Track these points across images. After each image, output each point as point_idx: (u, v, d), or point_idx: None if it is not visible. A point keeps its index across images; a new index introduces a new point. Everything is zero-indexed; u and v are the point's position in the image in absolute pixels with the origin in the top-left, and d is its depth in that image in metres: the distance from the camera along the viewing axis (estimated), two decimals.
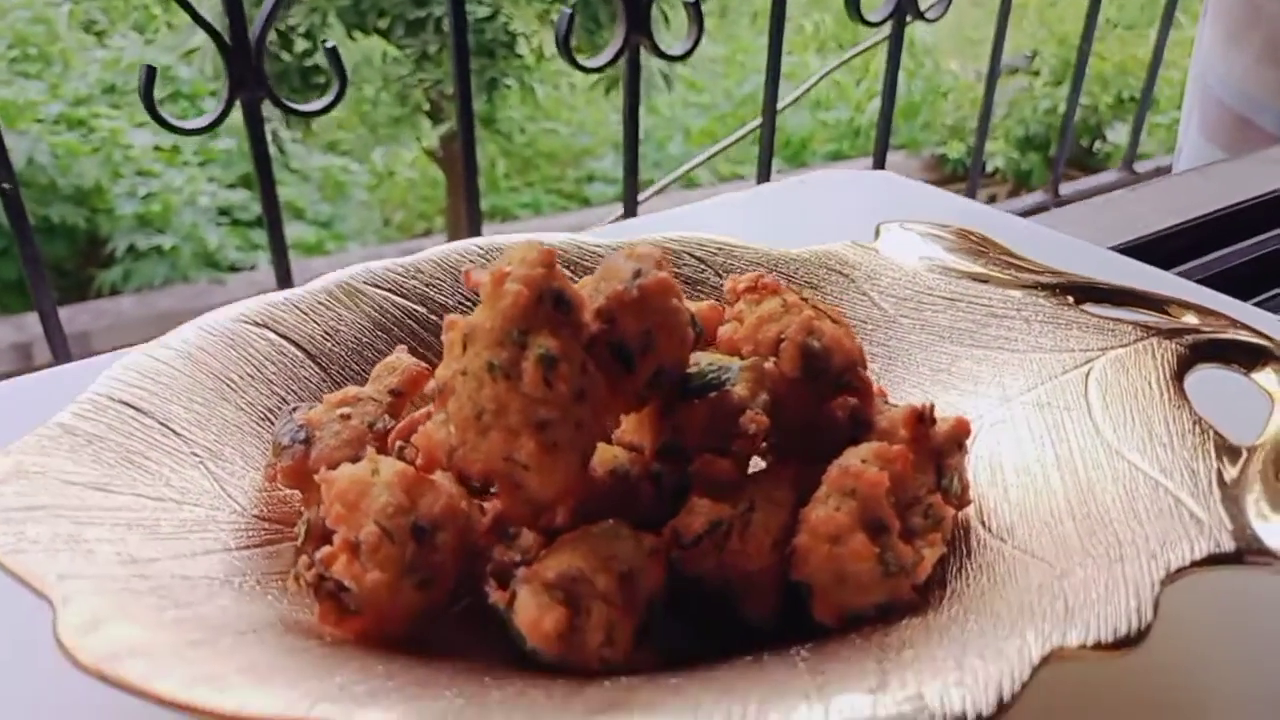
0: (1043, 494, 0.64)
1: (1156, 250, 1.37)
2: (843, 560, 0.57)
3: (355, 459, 0.62)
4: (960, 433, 0.64)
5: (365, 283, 0.80)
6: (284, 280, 1.71)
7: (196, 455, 0.65)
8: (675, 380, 0.62)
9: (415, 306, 0.80)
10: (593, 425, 0.58)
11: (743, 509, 0.59)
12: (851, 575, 0.57)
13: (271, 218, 1.70)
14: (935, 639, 0.51)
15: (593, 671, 0.53)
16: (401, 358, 0.68)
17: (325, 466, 0.62)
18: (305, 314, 0.76)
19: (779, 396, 0.64)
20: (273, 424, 0.70)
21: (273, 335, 0.74)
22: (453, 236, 2.16)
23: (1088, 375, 0.71)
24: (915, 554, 0.57)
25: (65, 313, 2.78)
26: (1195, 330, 0.74)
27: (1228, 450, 0.62)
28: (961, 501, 0.64)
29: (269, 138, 1.63)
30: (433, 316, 0.80)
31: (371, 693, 0.45)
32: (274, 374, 0.72)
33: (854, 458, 0.60)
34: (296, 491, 0.65)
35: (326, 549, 0.54)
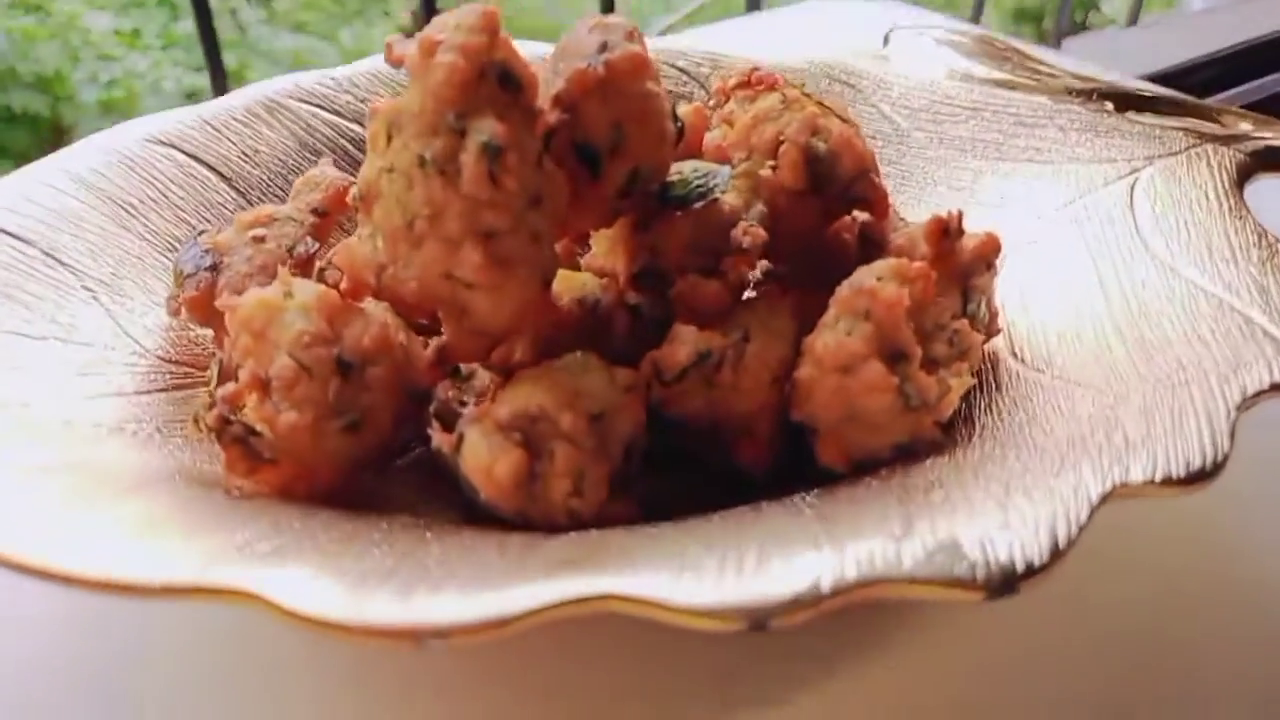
0: (1085, 319, 0.54)
1: (1179, 84, 1.25)
2: (855, 393, 0.48)
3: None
4: (989, 250, 0.55)
5: (291, 97, 0.68)
6: None
7: (89, 289, 0.55)
8: (653, 187, 0.52)
9: (348, 124, 0.69)
10: (551, 238, 0.48)
11: (735, 338, 0.50)
12: (865, 411, 0.48)
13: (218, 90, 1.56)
14: (969, 478, 0.42)
15: (558, 526, 0.44)
16: (326, 171, 0.57)
17: (230, 294, 0.52)
18: (219, 132, 0.65)
19: (777, 210, 0.54)
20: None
21: (180, 155, 0.63)
22: None
23: (1133, 187, 0.61)
24: (939, 385, 0.48)
25: None
26: (1253, 137, 0.63)
27: None
28: (990, 330, 0.55)
29: (230, 17, 1.49)
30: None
31: (279, 550, 0.36)
32: (181, 198, 0.61)
33: (868, 275, 0.50)
34: (208, 329, 0.55)
35: (231, 385, 0.44)
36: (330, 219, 0.56)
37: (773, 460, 0.51)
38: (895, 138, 0.69)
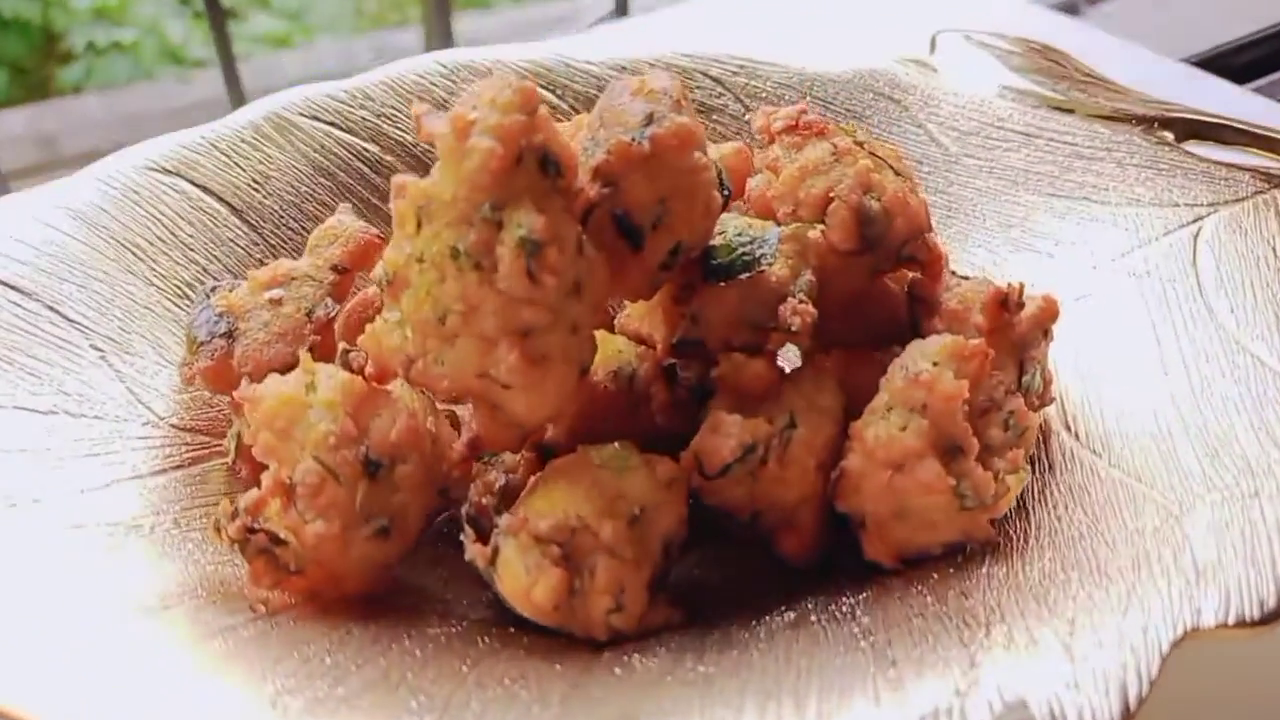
0: (1145, 394, 0.52)
1: (1227, 63, 1.20)
2: (907, 492, 0.46)
3: (290, 358, 0.50)
4: (1047, 318, 0.52)
5: (300, 114, 0.64)
6: (231, 79, 1.52)
7: (97, 349, 0.52)
8: (696, 256, 0.48)
9: (364, 144, 0.65)
10: (591, 325, 0.45)
11: (781, 425, 0.47)
12: (917, 509, 0.46)
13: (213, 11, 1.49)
14: (1031, 606, 0.40)
15: (596, 639, 0.42)
16: (345, 222, 0.54)
17: (254, 367, 0.49)
18: (226, 157, 0.61)
19: (825, 269, 0.51)
20: (190, 300, 0.56)
21: (187, 185, 0.59)
22: (427, 28, 1.95)
23: (1196, 237, 0.58)
24: (997, 485, 0.46)
25: (29, 112, 2.57)
26: None
27: None
28: (1043, 400, 0.52)
29: None
30: (387, 157, 0.65)
31: (313, 708, 0.34)
32: (190, 236, 0.58)
33: (922, 359, 0.48)
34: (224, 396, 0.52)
35: (254, 493, 0.42)
36: (351, 276, 0.53)
37: (816, 551, 0.49)
38: (944, 163, 0.65)
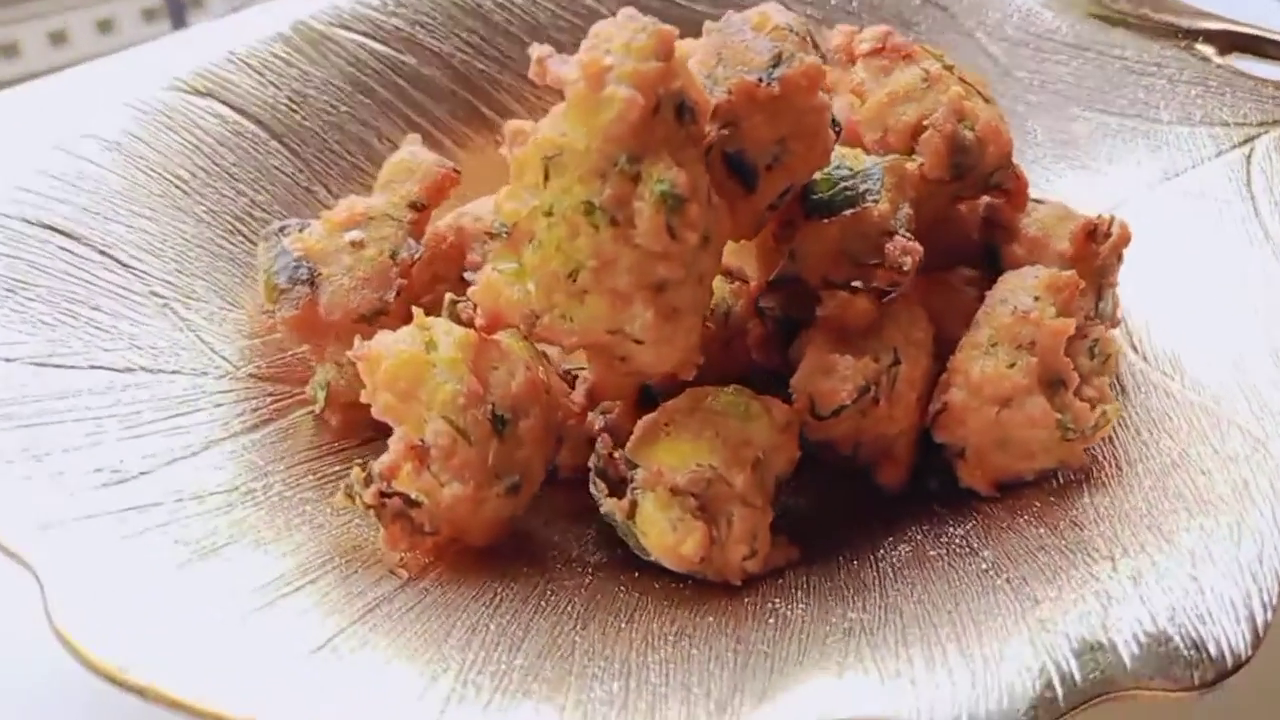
0: (1207, 316, 0.54)
1: None
2: (1013, 425, 0.47)
3: (378, 303, 0.48)
4: (1123, 244, 0.53)
5: (332, 23, 0.60)
6: None
7: (158, 295, 0.49)
8: (798, 192, 0.48)
9: (401, 57, 0.61)
10: (713, 274, 0.44)
11: (887, 363, 0.48)
12: (1020, 440, 0.48)
13: None
14: (1149, 539, 0.42)
15: (728, 580, 0.43)
16: (417, 154, 0.51)
17: (342, 315, 0.47)
18: (259, 75, 0.57)
19: (914, 200, 0.51)
20: (244, 237, 0.53)
21: (223, 109, 0.55)
22: None
23: (1249, 159, 0.59)
24: (1098, 416, 0.47)
25: None
26: None
27: None
28: (1113, 321, 0.54)
29: None
30: (425, 70, 0.61)
31: (501, 682, 0.34)
32: (234, 164, 0.55)
33: (1024, 294, 0.48)
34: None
35: (385, 460, 0.41)
36: (428, 213, 0.50)
37: (908, 478, 0.50)
38: (995, 75, 0.64)
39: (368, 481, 0.40)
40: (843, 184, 0.48)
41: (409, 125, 0.60)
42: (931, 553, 0.45)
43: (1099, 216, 0.51)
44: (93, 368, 0.44)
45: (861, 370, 0.47)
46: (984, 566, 0.43)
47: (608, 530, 0.45)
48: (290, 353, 0.51)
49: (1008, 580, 0.41)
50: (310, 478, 0.45)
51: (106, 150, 0.51)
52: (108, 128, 0.52)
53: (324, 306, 0.47)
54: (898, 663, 0.37)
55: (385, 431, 0.42)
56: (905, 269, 0.47)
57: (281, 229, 0.49)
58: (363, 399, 0.42)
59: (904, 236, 0.48)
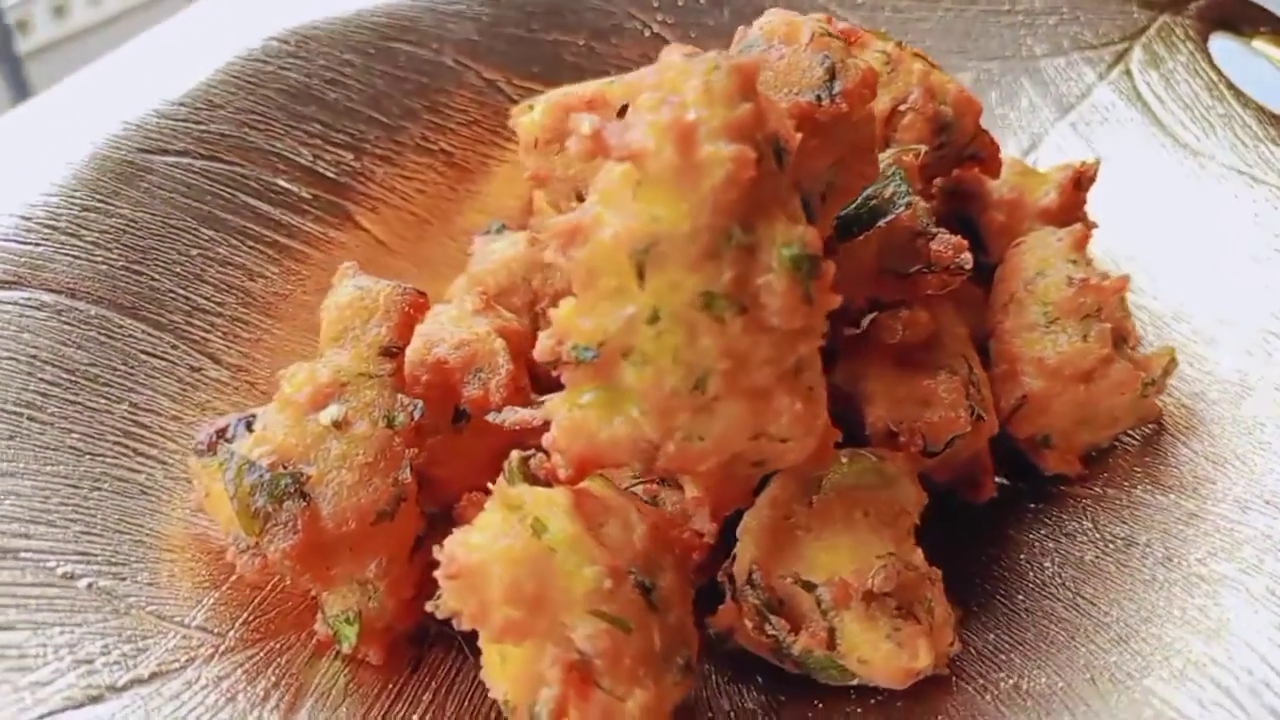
0: (1152, 233, 0.54)
1: None
2: (1100, 398, 0.44)
3: (397, 488, 0.36)
4: (1089, 183, 0.51)
5: (140, 148, 0.46)
6: None
7: (72, 578, 0.35)
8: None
9: (237, 169, 0.48)
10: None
11: (965, 373, 0.43)
12: (1104, 411, 0.45)
13: None
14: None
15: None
16: (366, 286, 0.39)
17: (358, 522, 0.36)
18: (75, 239, 0.42)
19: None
20: (140, 455, 0.40)
21: (46, 296, 0.40)
22: None
23: (1129, 74, 0.60)
24: (1164, 360, 0.45)
25: None
26: None
27: None
28: None
29: None
30: (268, 177, 0.49)
31: None
32: (89, 364, 0.40)
33: (1059, 261, 0.46)
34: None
35: (548, 700, 0.31)
36: (403, 356, 0.39)
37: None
38: None
39: None
40: (865, 194, 0.43)
41: (276, 250, 0.47)
42: (1089, 557, 0.41)
43: (1081, 163, 0.50)
44: (41, 717, 0.30)
45: (959, 390, 0.42)
46: (1150, 552, 0.40)
47: (747, 667, 0.37)
48: (268, 589, 0.38)
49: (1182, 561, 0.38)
50: None
51: None
52: None
53: (328, 518, 0.35)
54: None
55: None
56: (966, 266, 0.42)
57: (220, 433, 0.36)
58: (464, 624, 0.32)
59: (940, 232, 0.43)
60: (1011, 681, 0.36)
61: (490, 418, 0.38)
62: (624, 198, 0.32)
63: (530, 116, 0.45)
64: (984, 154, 0.49)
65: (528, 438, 0.44)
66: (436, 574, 0.32)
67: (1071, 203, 0.50)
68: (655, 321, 0.32)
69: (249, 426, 0.37)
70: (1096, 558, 0.41)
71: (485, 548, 0.31)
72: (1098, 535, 0.43)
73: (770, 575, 0.36)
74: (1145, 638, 0.36)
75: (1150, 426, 0.46)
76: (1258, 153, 0.55)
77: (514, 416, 0.38)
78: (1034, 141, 0.60)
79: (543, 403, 0.36)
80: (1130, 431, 0.47)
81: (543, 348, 0.34)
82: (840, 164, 0.38)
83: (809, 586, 0.35)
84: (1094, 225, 0.51)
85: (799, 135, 0.34)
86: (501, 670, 0.34)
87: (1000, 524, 0.45)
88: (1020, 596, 0.41)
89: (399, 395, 0.38)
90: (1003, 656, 0.37)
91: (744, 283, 0.31)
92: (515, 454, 0.35)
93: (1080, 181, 0.50)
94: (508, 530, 0.32)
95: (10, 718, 0.30)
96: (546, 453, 0.35)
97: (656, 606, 0.33)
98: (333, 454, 0.36)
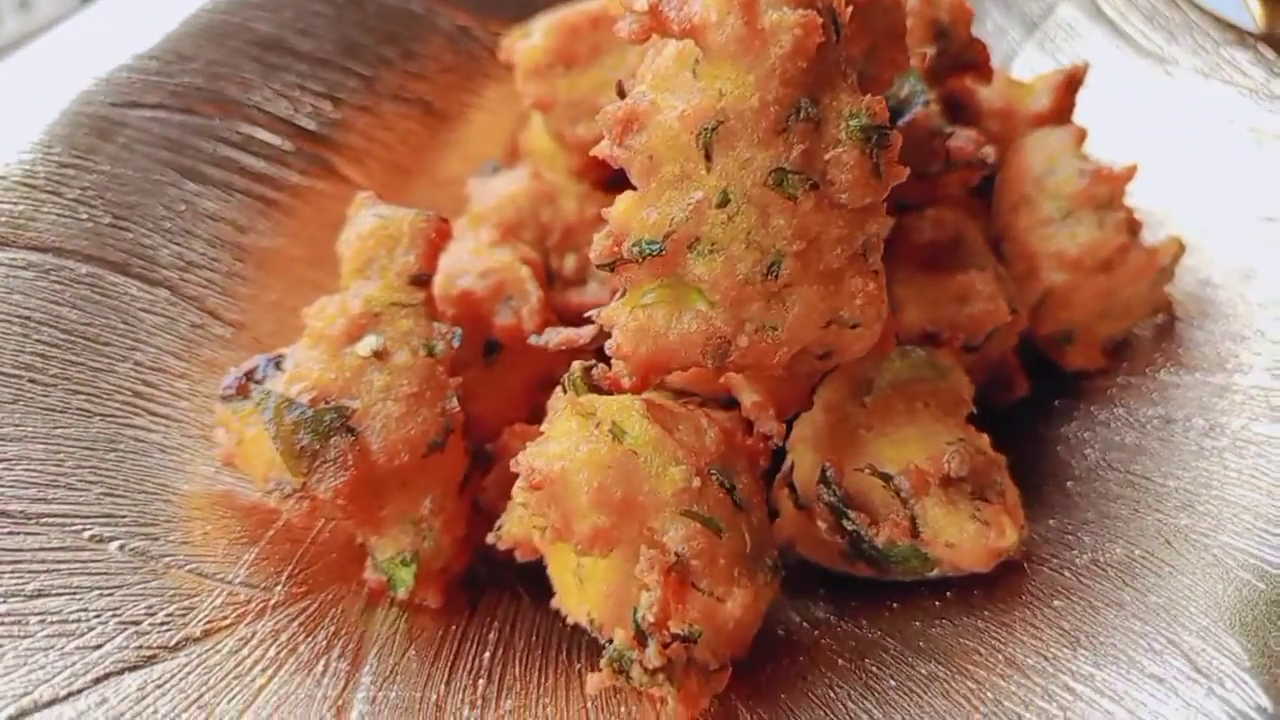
0: (1137, 137, 0.55)
1: None
2: (1120, 286, 0.44)
3: (446, 418, 0.34)
4: (1080, 82, 0.52)
5: (114, 102, 0.43)
6: None
7: (102, 541, 0.32)
8: None
9: (216, 122, 0.45)
10: None
11: (993, 267, 0.43)
12: (1122, 301, 0.45)
13: None
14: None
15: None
16: (386, 214, 0.37)
17: (410, 454, 0.33)
18: (55, 195, 0.39)
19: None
20: (154, 415, 0.37)
21: (34, 255, 0.37)
22: None
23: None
24: (1174, 247, 0.46)
25: None
26: None
27: None
28: None
29: None
30: (248, 130, 0.46)
31: None
32: (86, 323, 0.37)
33: (1066, 156, 0.46)
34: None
35: (652, 603, 0.29)
36: (431, 284, 0.37)
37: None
38: None
39: (641, 642, 0.28)
40: (897, 93, 0.42)
41: (265, 203, 0.45)
42: (1129, 439, 0.41)
43: (1073, 66, 0.50)
44: (98, 681, 0.27)
45: (994, 282, 0.42)
46: (1190, 426, 0.40)
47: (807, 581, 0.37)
48: (308, 542, 0.36)
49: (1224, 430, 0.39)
50: (484, 682, 0.32)
51: None
52: None
53: (379, 452, 0.33)
54: None
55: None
56: (990, 160, 0.42)
57: (249, 375, 0.34)
58: (544, 539, 0.30)
59: (957, 129, 0.43)
60: (1087, 556, 0.35)
61: (532, 340, 0.37)
62: (683, 78, 0.30)
63: (529, 42, 0.44)
64: (977, 60, 0.49)
65: (559, 370, 0.43)
66: (515, 487, 0.30)
67: (1063, 106, 0.51)
68: (725, 204, 0.30)
69: (278, 365, 0.34)
70: (1138, 439, 0.41)
71: (567, 455, 0.30)
72: (1132, 419, 0.43)
73: (842, 471, 0.35)
74: (1210, 500, 0.36)
75: (1160, 316, 0.47)
76: (1220, 56, 0.57)
77: (558, 336, 0.36)
78: (1004, 62, 0.60)
79: (590, 319, 0.35)
80: (1144, 323, 0.47)
81: (599, 249, 0.32)
82: (873, 52, 0.37)
83: (885, 478, 0.35)
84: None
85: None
86: (581, 593, 0.32)
87: (1031, 425, 0.45)
88: (1070, 483, 0.41)
89: (435, 323, 0.36)
90: (1069, 536, 0.37)
91: (813, 157, 0.31)
92: (577, 364, 0.33)
93: (1071, 82, 0.50)
94: (587, 436, 0.30)
95: (65, 682, 0.27)
96: (605, 360, 0.33)
97: (742, 506, 0.32)
98: (376, 386, 0.34)
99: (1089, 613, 0.32)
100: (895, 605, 0.36)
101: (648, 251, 0.31)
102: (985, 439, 0.36)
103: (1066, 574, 0.35)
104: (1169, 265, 0.46)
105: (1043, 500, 0.40)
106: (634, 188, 0.32)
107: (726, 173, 0.30)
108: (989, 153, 0.42)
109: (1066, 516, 0.39)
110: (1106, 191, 0.45)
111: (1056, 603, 0.33)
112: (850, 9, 0.34)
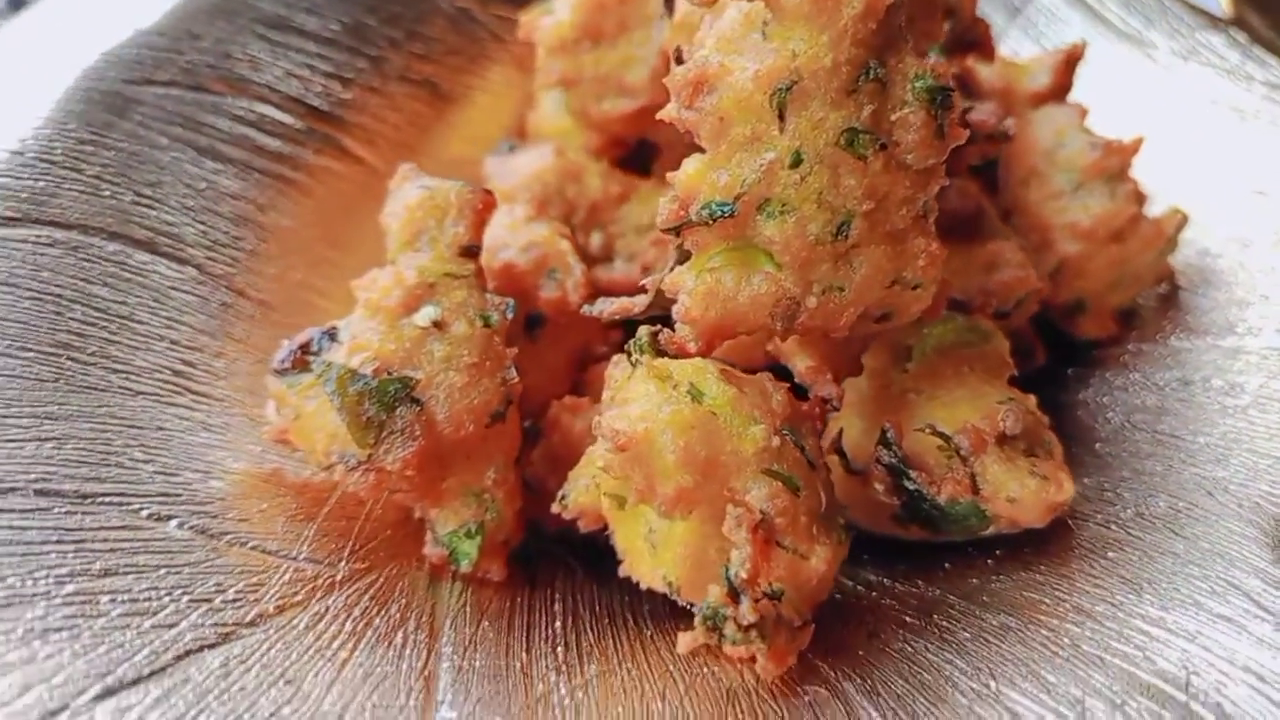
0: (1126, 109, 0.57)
1: None
2: (1132, 255, 0.46)
3: (506, 388, 0.34)
4: (1078, 59, 0.53)
5: (125, 79, 0.41)
6: None
7: (162, 519, 0.31)
8: None
9: (229, 100, 0.44)
10: None
11: (1014, 238, 0.44)
12: (1132, 271, 0.46)
13: None
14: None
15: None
16: (432, 186, 0.36)
17: (475, 424, 0.33)
18: (75, 172, 0.38)
19: None
20: (198, 394, 0.36)
21: (52, 232, 0.36)
22: None
23: None
24: (1178, 218, 0.47)
25: None
26: None
27: None
28: None
29: None
30: (262, 109, 0.45)
31: None
32: (118, 300, 0.36)
33: (1073, 131, 0.47)
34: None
35: (743, 560, 0.29)
36: (479, 250, 0.36)
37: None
38: None
39: (735, 599, 0.28)
40: None
41: (283, 182, 0.44)
42: (1150, 401, 0.43)
43: (1073, 45, 0.51)
44: (179, 659, 0.27)
45: (1019, 251, 0.42)
46: (1209, 387, 0.42)
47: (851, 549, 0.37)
48: (362, 518, 0.35)
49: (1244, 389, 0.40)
50: (564, 650, 0.31)
51: None
52: None
53: (445, 422, 0.32)
54: None
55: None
56: (1011, 132, 0.43)
57: (304, 348, 0.33)
58: (612, 507, 0.30)
59: (976, 102, 0.44)
60: (1131, 510, 0.37)
61: (585, 311, 0.36)
62: (751, 39, 0.31)
63: (553, 18, 0.43)
64: (980, 39, 0.51)
65: (598, 344, 0.43)
66: (593, 452, 0.30)
67: (1062, 84, 0.52)
68: (798, 165, 0.31)
69: (334, 338, 0.33)
70: (1159, 401, 0.43)
71: (650, 417, 0.30)
72: (1149, 383, 0.44)
73: (903, 434, 0.36)
74: (1243, 454, 0.37)
75: (1164, 286, 0.49)
76: (1195, 39, 0.59)
77: (611, 306, 0.36)
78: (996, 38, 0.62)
79: (644, 288, 0.35)
80: (1147, 293, 0.49)
81: (666, 213, 0.32)
82: (912, 24, 0.38)
83: (944, 438, 0.35)
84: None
85: None
86: (655, 558, 0.32)
87: (1048, 393, 0.46)
88: (1098, 445, 0.42)
89: (488, 295, 0.35)
90: (1109, 494, 0.38)
91: (881, 118, 0.31)
92: (644, 329, 0.33)
93: (1070, 60, 0.52)
94: (668, 398, 0.30)
95: (146, 661, 0.26)
96: (670, 326, 0.33)
97: (814, 465, 0.32)
98: (437, 356, 0.33)
99: (1145, 561, 0.33)
100: (948, 566, 0.37)
101: (718, 213, 0.31)
102: (1033, 399, 0.37)
103: (1114, 528, 0.36)
104: (1173, 235, 0.48)
105: (1076, 461, 0.41)
106: (693, 153, 0.32)
107: (800, 133, 0.30)
108: (1010, 125, 0.43)
109: (1102, 475, 0.40)
110: (1117, 163, 0.46)
111: (1110, 554, 0.34)
112: None
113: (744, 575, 0.29)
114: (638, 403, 0.30)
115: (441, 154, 0.53)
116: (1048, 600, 0.33)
